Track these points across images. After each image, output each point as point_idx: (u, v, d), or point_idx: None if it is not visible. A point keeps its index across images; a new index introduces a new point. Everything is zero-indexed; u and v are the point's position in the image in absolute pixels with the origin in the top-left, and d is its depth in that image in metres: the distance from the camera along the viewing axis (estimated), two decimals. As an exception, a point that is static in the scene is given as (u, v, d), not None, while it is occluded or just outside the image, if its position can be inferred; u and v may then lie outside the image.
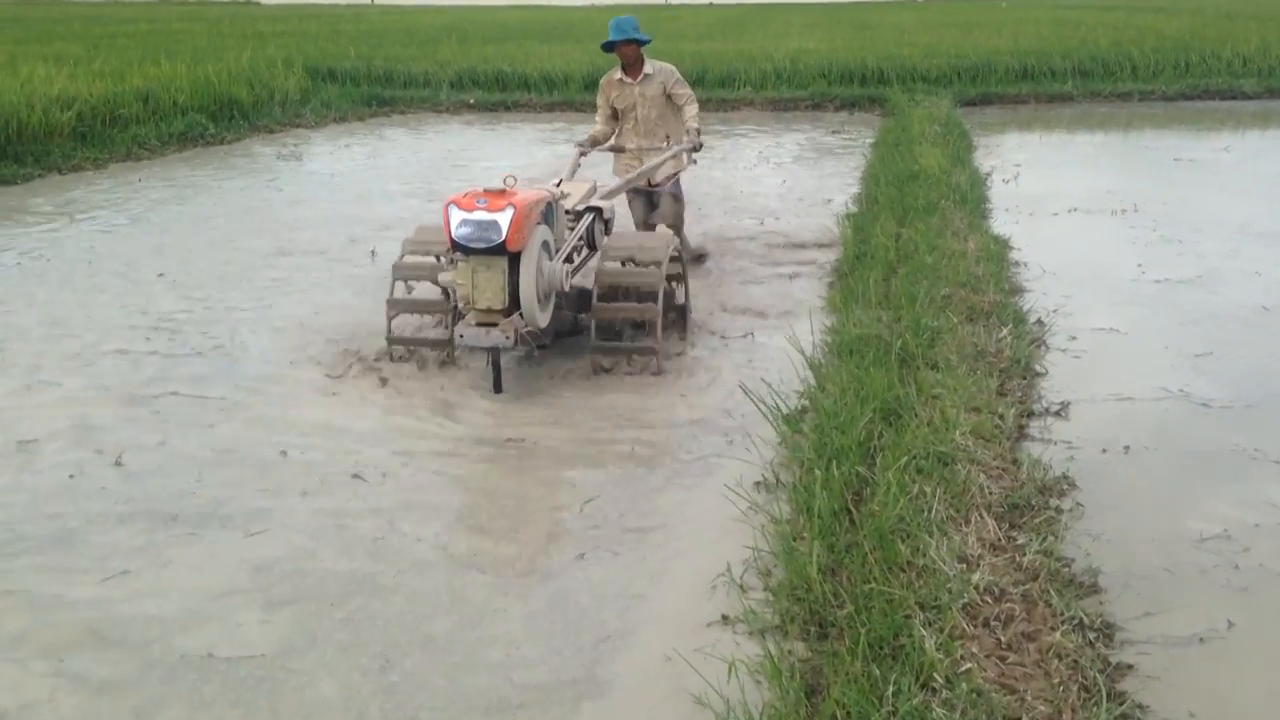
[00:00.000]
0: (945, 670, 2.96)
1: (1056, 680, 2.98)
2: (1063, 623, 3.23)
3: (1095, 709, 2.87)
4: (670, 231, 6.18)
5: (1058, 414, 4.89)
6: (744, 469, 4.41)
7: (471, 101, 17.84)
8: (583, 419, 5.11)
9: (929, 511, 3.79)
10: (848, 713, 2.79)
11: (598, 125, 7.32)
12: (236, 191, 11.03)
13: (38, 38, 23.19)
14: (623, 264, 5.73)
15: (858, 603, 3.31)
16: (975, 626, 3.21)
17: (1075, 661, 3.07)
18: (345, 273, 7.76)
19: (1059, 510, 3.97)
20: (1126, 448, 4.58)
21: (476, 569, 3.84)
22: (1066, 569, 3.57)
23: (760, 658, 3.12)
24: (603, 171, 7.77)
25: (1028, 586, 3.42)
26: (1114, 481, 4.30)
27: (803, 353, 5.48)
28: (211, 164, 12.70)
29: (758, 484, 4.29)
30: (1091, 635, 3.21)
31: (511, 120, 16.72)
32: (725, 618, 3.44)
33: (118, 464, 4.69)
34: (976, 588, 3.36)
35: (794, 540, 3.72)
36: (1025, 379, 5.23)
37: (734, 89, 17.91)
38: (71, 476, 4.58)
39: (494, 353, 5.24)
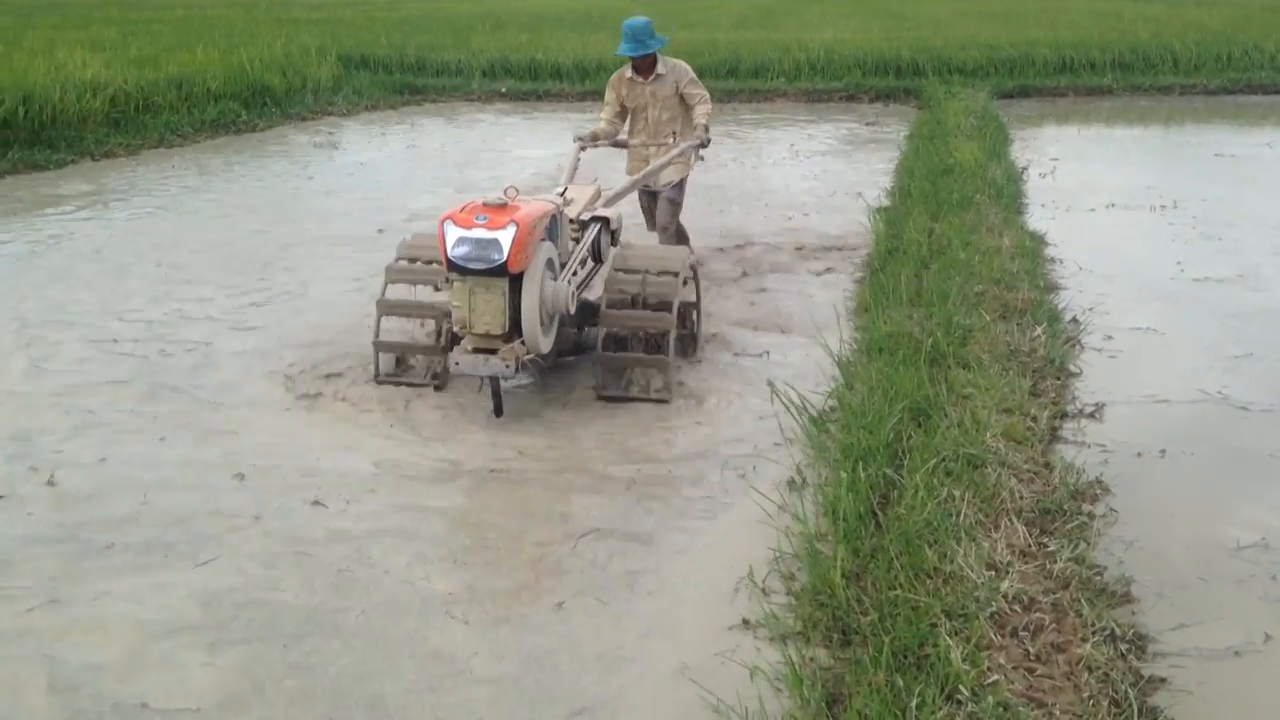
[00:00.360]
0: (971, 682, 2.88)
1: (1086, 694, 2.90)
2: (1093, 633, 3.15)
3: (1126, 725, 2.78)
4: (688, 249, 5.87)
5: (1092, 416, 4.78)
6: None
7: (504, 90, 17.78)
8: (580, 446, 4.72)
9: (957, 516, 3.70)
10: (870, 724, 2.72)
11: (602, 122, 6.95)
12: (268, 180, 11.04)
13: (75, 23, 23.31)
14: (636, 274, 5.33)
15: (882, 610, 3.23)
16: (1003, 636, 3.13)
17: (1106, 674, 2.98)
18: (354, 270, 7.41)
19: (1092, 516, 3.87)
20: (1163, 451, 4.47)
21: (448, 613, 3.50)
22: (1098, 577, 3.48)
23: (781, 664, 3.04)
24: (606, 168, 7.52)
25: (1058, 595, 3.34)
26: (1149, 486, 4.20)
27: (829, 350, 5.39)
28: (244, 152, 12.72)
29: (788, 483, 4.22)
30: (1123, 647, 3.13)
31: (544, 109, 16.66)
32: (746, 621, 3.37)
33: (50, 484, 4.35)
34: (1005, 596, 3.28)
35: (818, 544, 3.65)
36: (1059, 379, 5.12)
37: (767, 80, 17.74)
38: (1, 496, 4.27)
39: (494, 381, 4.86)
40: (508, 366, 4.62)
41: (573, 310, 4.92)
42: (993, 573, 3.41)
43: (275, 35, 19.34)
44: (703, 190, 9.89)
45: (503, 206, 4.59)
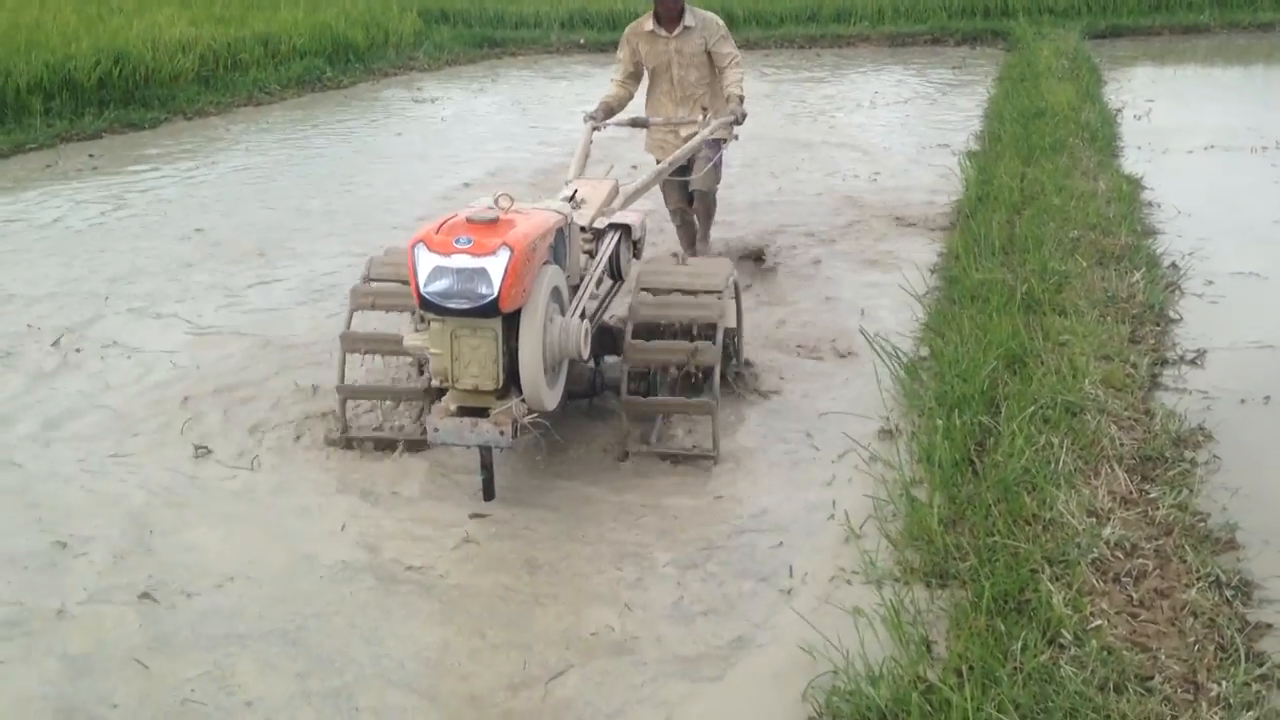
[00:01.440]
0: (1074, 626, 2.88)
1: (1191, 639, 2.88)
2: (1198, 580, 3.12)
3: (1232, 669, 2.76)
4: (728, 261, 4.85)
5: (1193, 362, 4.69)
6: (861, 423, 4.33)
7: (582, 42, 17.74)
8: (584, 525, 3.72)
9: (1056, 463, 3.67)
10: (971, 667, 2.74)
11: (613, 85, 5.93)
12: (355, 137, 11.18)
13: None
14: (667, 294, 4.30)
15: (981, 556, 3.24)
16: (1105, 582, 3.11)
17: (1211, 620, 2.96)
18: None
19: (1194, 463, 3.81)
20: (1267, 398, 4.38)
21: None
22: (1202, 524, 3.44)
23: (880, 607, 3.07)
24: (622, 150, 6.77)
25: (1161, 542, 3.31)
26: (1253, 433, 4.12)
27: (919, 299, 5.36)
28: (328, 108, 12.89)
29: (880, 433, 4.22)
30: (1229, 593, 3.09)
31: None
32: (843, 569, 3.39)
33: None
34: (1106, 542, 3.26)
35: (912, 489, 3.66)
36: (1159, 325, 5.02)
37: (849, 24, 17.46)
38: None
39: (485, 452, 3.78)
40: (502, 433, 3.55)
41: (586, 354, 3.81)
42: (1093, 519, 3.39)
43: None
44: (784, 145, 9.84)
45: (492, 224, 3.51)
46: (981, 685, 2.66)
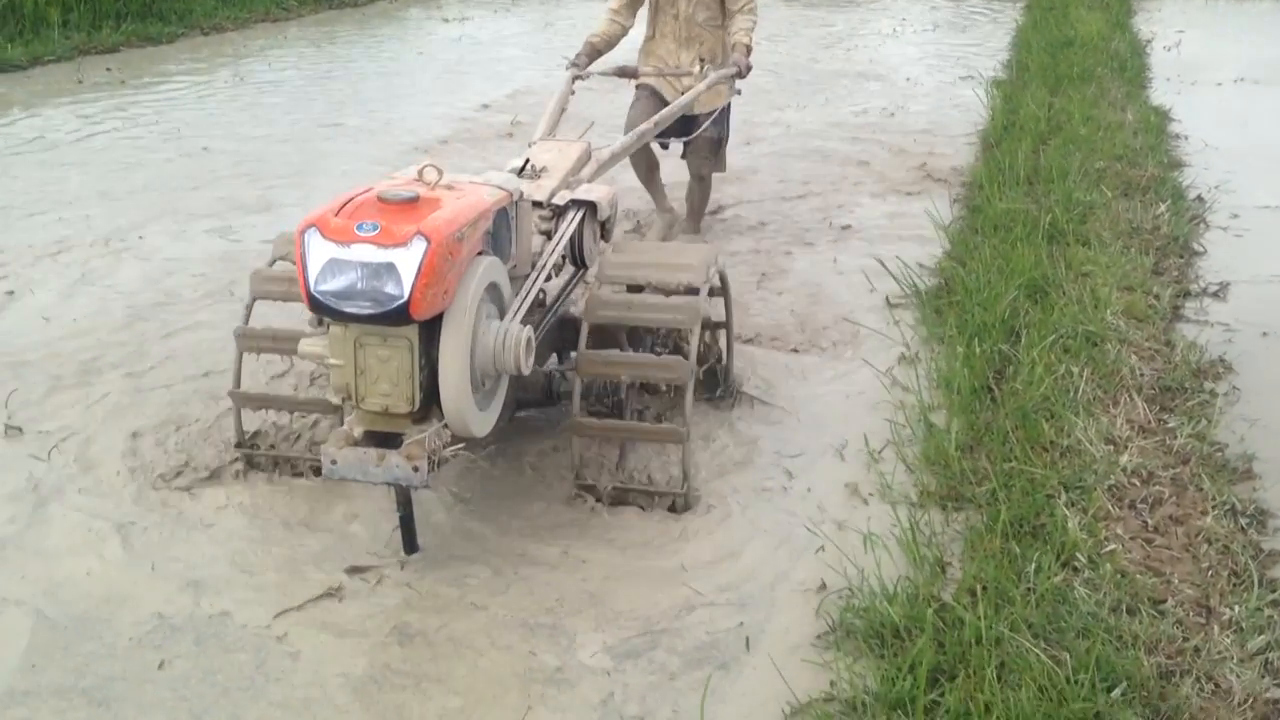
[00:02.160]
0: (1088, 550, 2.91)
1: (1205, 565, 2.91)
2: (1213, 508, 3.14)
3: (1245, 594, 2.79)
4: (711, 247, 3.93)
5: (1216, 295, 4.68)
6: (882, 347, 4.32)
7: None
8: (526, 592, 2.98)
9: (1075, 392, 3.68)
10: (984, 588, 2.77)
11: (602, 22, 5.11)
12: (374, 55, 11.07)
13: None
14: (631, 290, 3.55)
15: (997, 480, 3.26)
16: (1121, 508, 3.14)
17: (1226, 547, 2.98)
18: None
19: (1214, 394, 3.82)
20: (1289, 332, 4.36)
21: None
22: (1219, 454, 3.45)
23: (895, 528, 3.10)
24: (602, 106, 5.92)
25: (1178, 470, 3.33)
26: (1273, 366, 4.12)
27: (941, 228, 5.32)
28: (346, 25, 12.75)
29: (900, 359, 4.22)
30: (1244, 521, 3.11)
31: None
32: (858, 490, 3.42)
33: None
34: (1123, 470, 3.28)
35: (931, 416, 3.67)
36: (1183, 258, 5.00)
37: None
38: None
39: (400, 493, 3.02)
40: (416, 469, 2.77)
41: (527, 367, 2.96)
42: (1111, 447, 3.41)
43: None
44: (811, 80, 9.70)
45: (410, 205, 2.72)
46: (995, 605, 2.69)
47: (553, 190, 3.58)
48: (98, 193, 6.33)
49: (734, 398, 3.93)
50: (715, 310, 3.77)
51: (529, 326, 2.98)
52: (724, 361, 3.92)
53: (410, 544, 3.10)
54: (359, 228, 2.66)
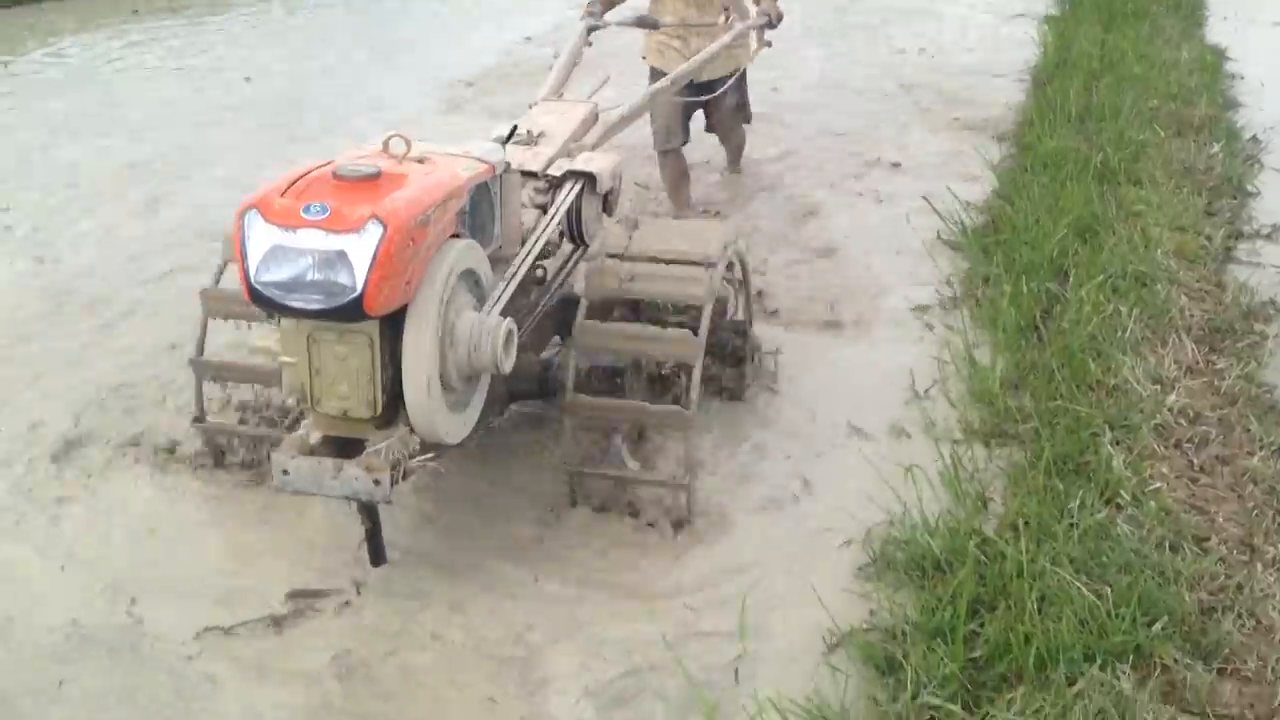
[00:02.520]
0: (1132, 488, 2.90)
1: (1250, 504, 2.91)
2: (1260, 448, 3.13)
3: (1290, 535, 2.79)
4: (731, 225, 3.63)
5: (1269, 237, 4.61)
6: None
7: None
8: (491, 617, 2.69)
9: (1123, 331, 3.66)
10: (1026, 523, 2.78)
11: None
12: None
13: None
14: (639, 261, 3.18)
15: (1042, 418, 3.26)
16: (1166, 448, 3.13)
17: (1271, 487, 2.97)
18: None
19: (1264, 336, 3.78)
20: (1343, 275, 4.30)
21: None
22: (1267, 395, 3.43)
23: (937, 464, 3.11)
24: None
25: (1225, 411, 3.31)
26: (1326, 309, 4.06)
27: (989, 164, 5.26)
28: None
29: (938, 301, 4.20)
30: (1291, 462, 3.10)
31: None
32: (901, 428, 3.42)
33: None
34: (1170, 409, 3.27)
35: (975, 353, 3.66)
36: (1236, 199, 4.93)
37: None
38: None
39: (364, 505, 2.64)
40: (377, 482, 2.45)
41: (506, 366, 2.62)
42: (1158, 387, 3.39)
43: None
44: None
45: (368, 182, 2.39)
46: (1036, 540, 2.70)
47: (550, 159, 3.26)
48: (151, 118, 6.40)
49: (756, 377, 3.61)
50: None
51: (509, 319, 2.62)
52: (749, 355, 3.56)
53: (377, 556, 2.75)
54: (306, 210, 2.32)
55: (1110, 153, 5.10)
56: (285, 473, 2.51)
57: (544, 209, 3.16)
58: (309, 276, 2.32)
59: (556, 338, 3.36)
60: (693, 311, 3.10)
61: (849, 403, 3.56)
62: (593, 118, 3.61)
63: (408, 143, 2.56)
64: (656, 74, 4.66)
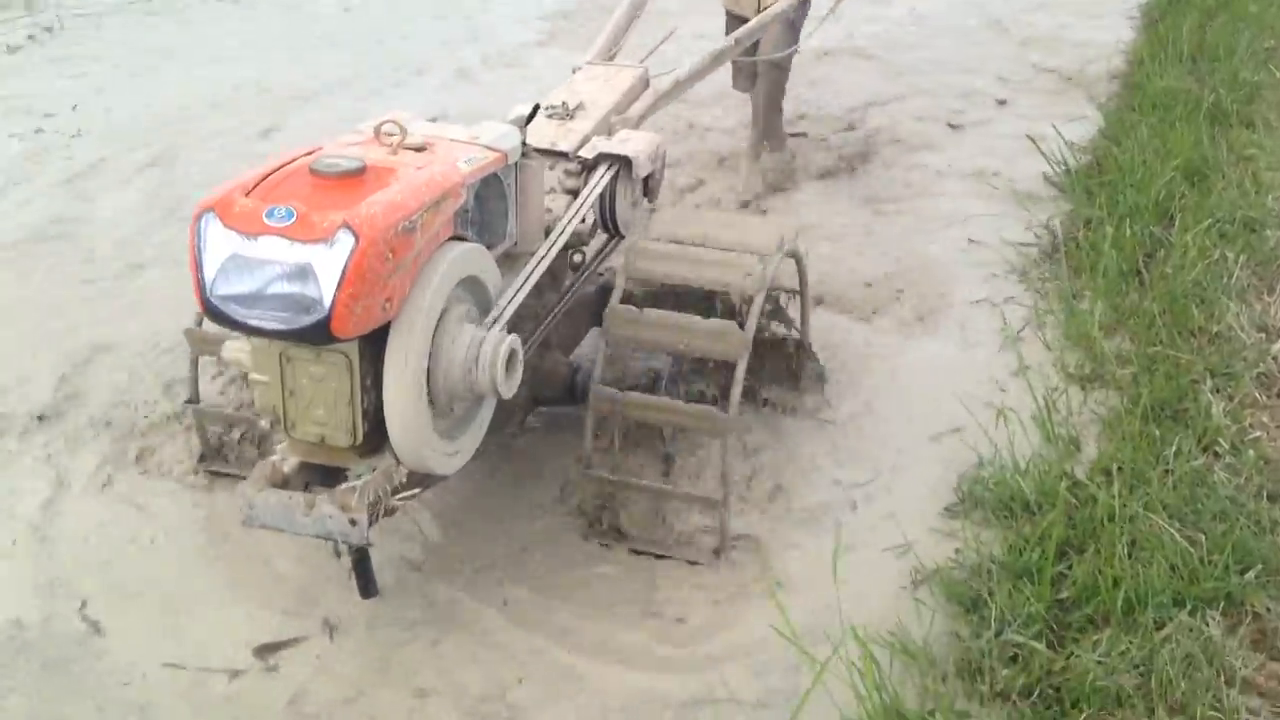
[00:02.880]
0: (1231, 437, 2.86)
1: (1353, 457, 2.84)
2: (1368, 402, 3.05)
3: (1395, 489, 2.72)
4: (788, 223, 3.15)
5: (1389, 184, 4.42)
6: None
7: None
8: (474, 664, 2.42)
9: (1229, 278, 3.57)
10: (1120, 468, 2.76)
11: None
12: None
13: None
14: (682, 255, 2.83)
15: (1140, 364, 3.21)
16: (1269, 397, 3.07)
17: (1377, 441, 2.90)
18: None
19: (1377, 286, 3.65)
20: None
21: None
22: (1379, 347, 3.32)
23: (1029, 406, 3.09)
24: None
25: (1333, 362, 3.22)
26: None
27: (1097, 104, 5.12)
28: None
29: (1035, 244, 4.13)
30: (1400, 417, 3.02)
31: None
32: (994, 370, 3.40)
33: None
34: (1275, 358, 3.19)
35: (1074, 298, 3.61)
36: (1355, 143, 4.72)
37: None
38: None
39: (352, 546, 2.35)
40: (353, 522, 2.17)
41: (507, 391, 2.30)
42: (1263, 335, 3.31)
43: None
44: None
45: (351, 179, 2.10)
46: (1130, 485, 2.68)
47: (584, 137, 2.92)
48: (248, 47, 6.51)
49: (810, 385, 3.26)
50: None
51: (512, 336, 2.29)
52: (802, 355, 3.21)
53: (367, 587, 2.49)
54: (269, 214, 2.01)
55: (1223, 94, 4.92)
56: (251, 506, 2.23)
57: (575, 194, 2.85)
58: (271, 291, 2.02)
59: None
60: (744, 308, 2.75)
61: (942, 340, 3.55)
62: (641, 84, 3.25)
63: (402, 129, 2.29)
64: (733, 21, 4.32)
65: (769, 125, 4.62)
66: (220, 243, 2.04)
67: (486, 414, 2.44)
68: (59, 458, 3.07)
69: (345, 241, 1.97)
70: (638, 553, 2.71)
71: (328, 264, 1.97)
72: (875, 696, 2.14)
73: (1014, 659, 2.28)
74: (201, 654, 2.44)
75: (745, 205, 4.48)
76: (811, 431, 3.14)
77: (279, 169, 2.14)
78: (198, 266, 2.06)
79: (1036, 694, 2.20)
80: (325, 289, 1.97)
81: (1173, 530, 2.50)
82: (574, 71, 3.29)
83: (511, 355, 2.29)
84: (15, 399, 3.30)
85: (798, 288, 3.13)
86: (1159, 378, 3.11)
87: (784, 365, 3.21)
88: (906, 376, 3.42)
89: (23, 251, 4.19)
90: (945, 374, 3.41)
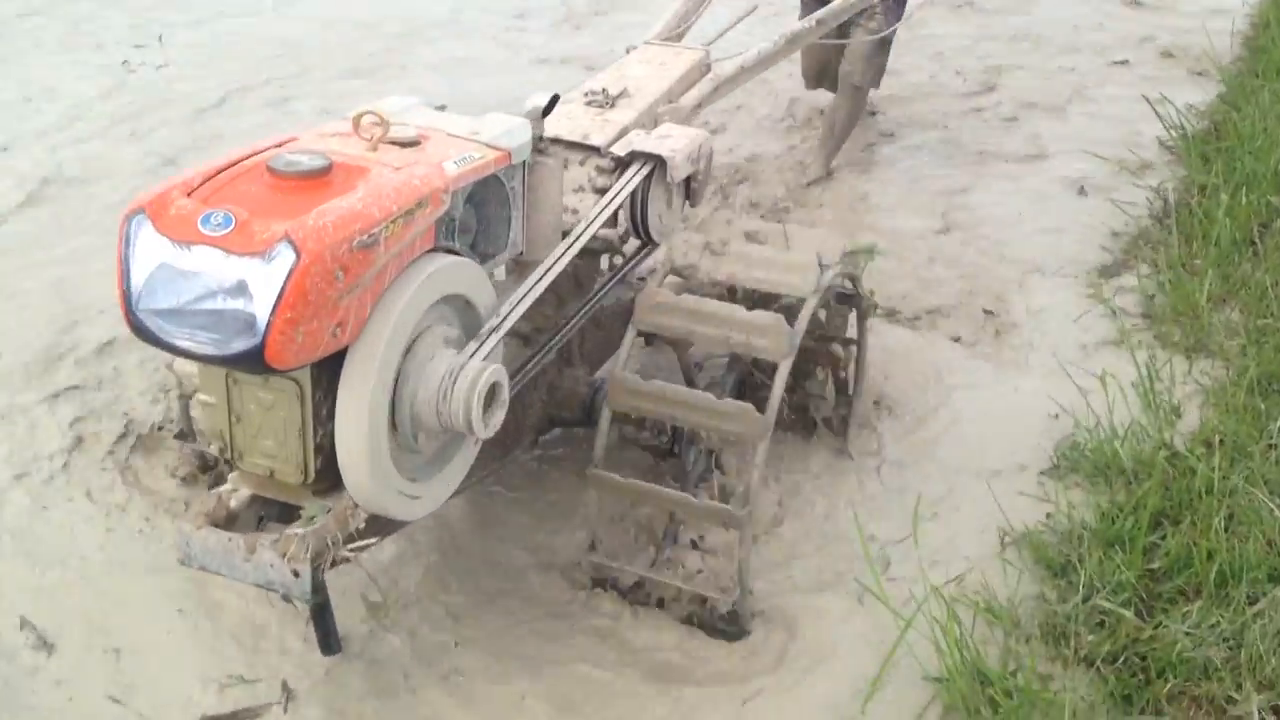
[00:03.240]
0: (1341, 414, 2.79)
1: None
2: None
3: None
4: (837, 238, 2.64)
5: None
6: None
7: None
8: None
9: (1349, 249, 3.45)
10: (1221, 440, 2.70)
11: None
12: None
13: None
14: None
15: (1249, 336, 3.14)
16: (1385, 376, 2.97)
17: None
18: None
19: None
20: None
21: None
22: None
23: (1130, 374, 3.04)
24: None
25: None
26: None
27: (1217, 70, 4.95)
28: None
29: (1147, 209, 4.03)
30: None
31: None
32: (1095, 336, 3.34)
33: None
34: (1390, 335, 3.09)
35: (1184, 267, 3.53)
36: None
37: None
38: None
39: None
40: (296, 574, 1.88)
41: (485, 430, 1.97)
42: (1379, 310, 3.21)
43: None
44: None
45: (312, 180, 1.82)
46: (1230, 458, 2.63)
47: (622, 129, 2.60)
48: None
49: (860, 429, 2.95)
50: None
51: (493, 367, 1.96)
52: (852, 391, 2.92)
53: (328, 643, 2.07)
54: (206, 220, 1.73)
55: (1357, 57, 4.73)
56: (187, 544, 1.95)
57: (599, 191, 2.54)
58: (201, 307, 1.73)
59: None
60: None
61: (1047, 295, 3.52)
62: (700, 70, 2.93)
63: (384, 121, 1.97)
64: (809, 3, 3.98)
65: (835, 149, 4.25)
66: (149, 250, 1.75)
67: (469, 453, 2.12)
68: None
69: (285, 257, 1.67)
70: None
71: (264, 282, 1.67)
72: (956, 653, 2.15)
73: (1100, 625, 2.27)
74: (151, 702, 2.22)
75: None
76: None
77: (234, 164, 1.87)
78: (124, 275, 1.76)
79: (1121, 660, 2.19)
80: (260, 311, 1.68)
81: (1273, 505, 2.45)
82: (628, 51, 3.00)
83: (493, 389, 1.97)
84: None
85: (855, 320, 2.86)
86: (1268, 350, 3.03)
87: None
88: (1011, 335, 3.40)
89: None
90: (1048, 334, 3.38)
